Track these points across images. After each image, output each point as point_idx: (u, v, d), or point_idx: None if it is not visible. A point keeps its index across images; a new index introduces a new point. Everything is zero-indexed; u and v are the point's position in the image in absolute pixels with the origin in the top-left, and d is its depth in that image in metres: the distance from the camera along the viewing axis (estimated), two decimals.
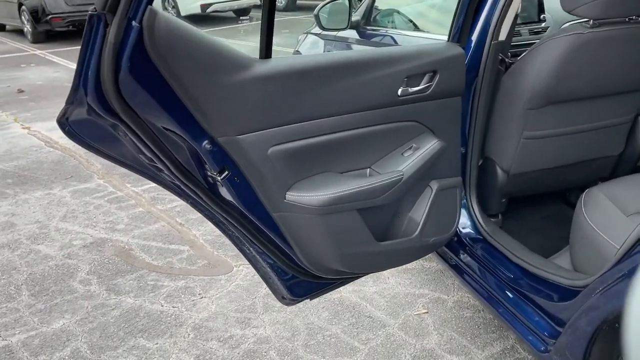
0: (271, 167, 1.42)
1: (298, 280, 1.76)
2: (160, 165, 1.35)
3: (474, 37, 1.93)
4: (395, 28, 3.29)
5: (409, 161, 1.69)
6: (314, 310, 2.41)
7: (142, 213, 3.45)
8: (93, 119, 1.18)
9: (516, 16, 1.99)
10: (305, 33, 3.94)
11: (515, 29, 3.07)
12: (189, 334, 2.30)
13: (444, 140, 1.79)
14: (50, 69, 8.35)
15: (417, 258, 1.92)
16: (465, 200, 2.15)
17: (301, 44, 3.85)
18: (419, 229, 1.80)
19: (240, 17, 12.13)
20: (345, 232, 1.60)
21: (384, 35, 3.08)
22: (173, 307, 2.48)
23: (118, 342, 2.27)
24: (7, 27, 12.81)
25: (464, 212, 2.15)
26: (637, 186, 1.84)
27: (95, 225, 3.31)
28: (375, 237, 1.73)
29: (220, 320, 2.38)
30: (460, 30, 1.80)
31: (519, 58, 2.01)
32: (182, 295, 2.57)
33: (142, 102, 1.18)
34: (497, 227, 2.11)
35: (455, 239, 2.14)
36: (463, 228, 2.13)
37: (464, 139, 2.06)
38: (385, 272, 2.66)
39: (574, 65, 1.87)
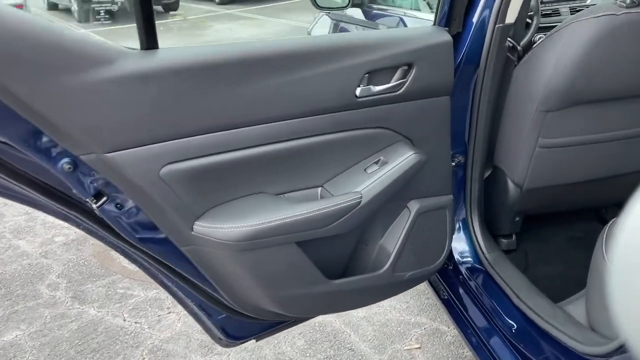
0: (167, 191, 1.09)
1: (235, 320, 1.44)
2: (20, 186, 1.05)
3: (475, 19, 1.50)
4: (417, 9, 2.86)
5: (372, 180, 1.32)
6: (289, 336, 2.08)
7: None
8: None
9: None
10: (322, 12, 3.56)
11: (554, 6, 2.60)
12: (143, 358, 2.03)
13: (427, 151, 1.40)
14: None
15: (387, 297, 1.55)
16: (465, 220, 1.76)
17: (315, 25, 3.48)
18: (389, 262, 1.43)
19: None
20: (280, 271, 1.26)
21: (398, 17, 2.66)
22: (136, 322, 2.22)
23: None
24: (60, 5, 12.96)
25: (463, 235, 1.75)
26: None
27: None
28: (330, 272, 1.37)
29: (182, 342, 2.09)
30: (449, 10, 1.39)
31: (534, 46, 1.58)
32: (149, 309, 2.30)
33: None
34: (501, 255, 1.70)
35: (451, 267, 1.75)
36: (461, 255, 1.74)
37: (464, 146, 1.66)
38: None
39: (605, 56, 1.43)
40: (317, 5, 2.41)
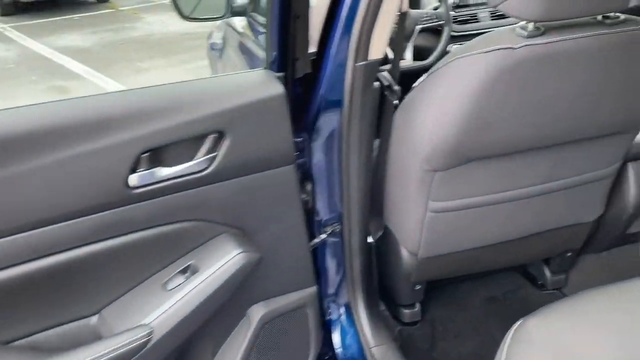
0: None
1: None
2: None
3: (333, 53, 1.10)
4: None
5: (172, 301, 0.92)
6: None
7: None
8: None
9: (404, 15, 1.19)
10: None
11: (472, 10, 2.23)
12: None
13: (267, 241, 1.02)
14: (3, 47, 7.61)
15: None
16: (348, 304, 1.38)
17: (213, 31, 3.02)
18: None
19: None
20: None
21: None
22: None
23: None
24: None
25: (346, 323, 1.38)
26: (613, 312, 1.02)
27: None
28: None
29: None
30: (282, 46, 0.99)
31: (413, 87, 1.19)
32: None
33: None
34: (391, 348, 1.34)
35: None
36: (343, 349, 1.37)
37: (338, 212, 1.28)
38: None
39: (499, 103, 1.06)
40: (184, 15, 1.90)
